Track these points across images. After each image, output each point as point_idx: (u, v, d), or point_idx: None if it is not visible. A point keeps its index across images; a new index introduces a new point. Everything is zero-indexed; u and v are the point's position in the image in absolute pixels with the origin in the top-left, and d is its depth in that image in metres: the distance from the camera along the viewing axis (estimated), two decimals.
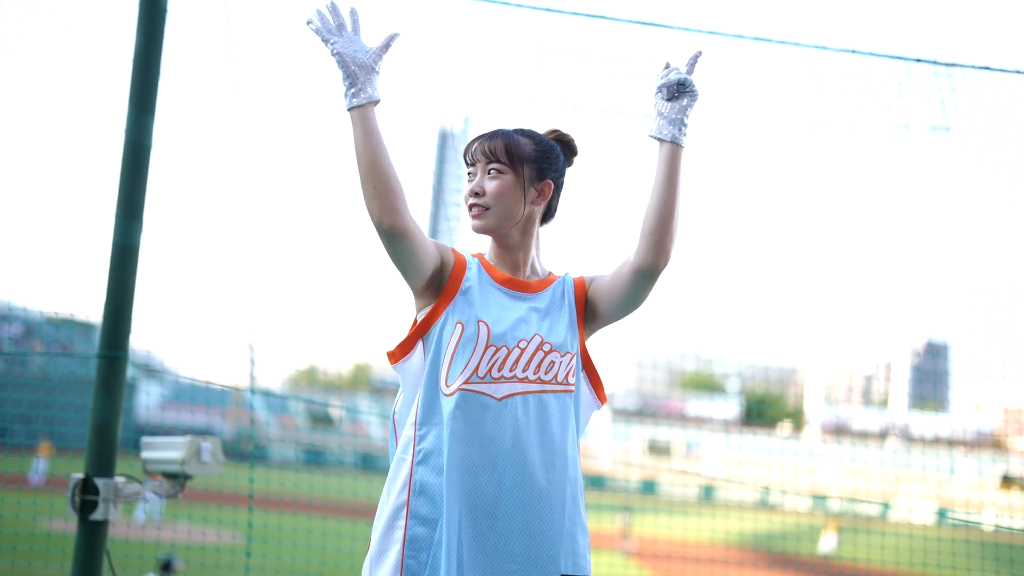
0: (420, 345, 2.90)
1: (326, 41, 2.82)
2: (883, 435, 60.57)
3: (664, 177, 2.88)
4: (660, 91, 2.91)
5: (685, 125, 2.87)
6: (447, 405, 2.83)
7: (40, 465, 27.85)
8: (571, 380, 2.91)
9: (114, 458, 4.76)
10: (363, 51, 2.83)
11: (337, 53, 2.81)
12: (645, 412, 66.40)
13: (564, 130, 3.14)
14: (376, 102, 2.82)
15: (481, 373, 2.84)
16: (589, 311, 3.01)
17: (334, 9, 2.83)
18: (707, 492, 45.70)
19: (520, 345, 2.87)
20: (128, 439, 5.33)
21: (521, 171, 2.98)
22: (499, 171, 2.97)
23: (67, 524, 4.92)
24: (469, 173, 3.02)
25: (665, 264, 2.89)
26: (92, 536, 4.69)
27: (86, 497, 4.67)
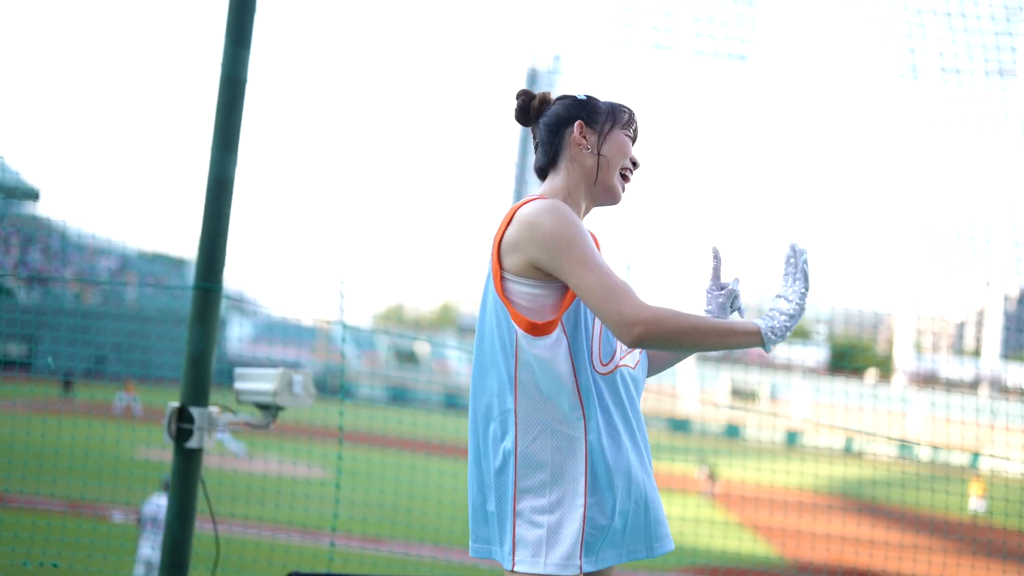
0: (561, 322, 2.76)
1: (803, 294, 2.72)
2: (974, 385, 59.56)
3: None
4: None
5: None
6: (604, 383, 2.79)
7: (123, 399, 28.65)
8: None
9: (208, 388, 4.83)
10: None
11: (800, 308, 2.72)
12: (730, 356, 66.03)
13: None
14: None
15: (623, 351, 2.86)
16: None
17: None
18: (791, 438, 45.43)
19: None
20: (220, 371, 5.42)
21: None
22: None
23: (163, 453, 5.03)
24: (631, 139, 2.99)
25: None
26: (187, 463, 4.78)
27: (182, 425, 4.76)
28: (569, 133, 2.93)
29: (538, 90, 3.03)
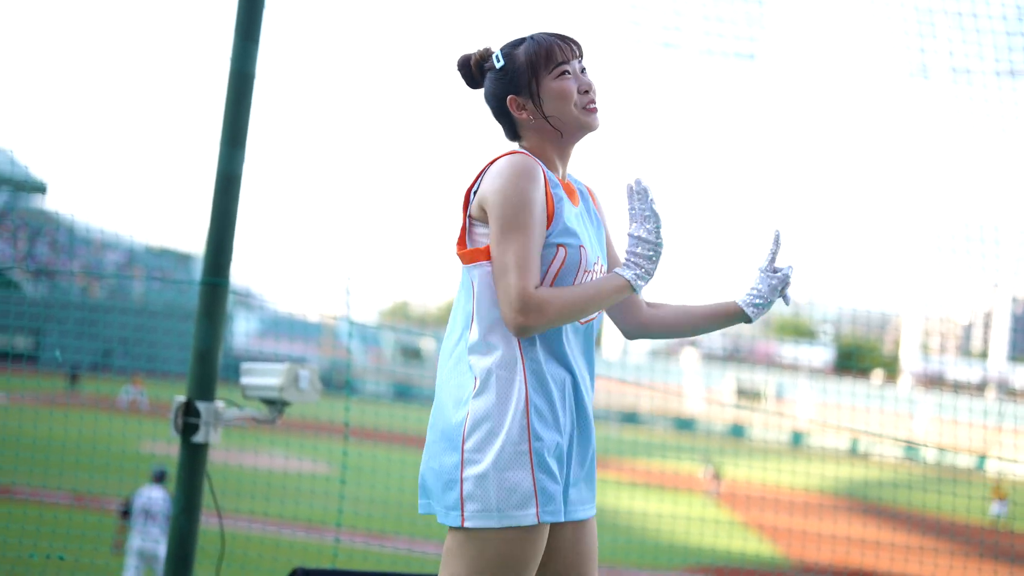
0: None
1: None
2: (981, 387, 59.43)
3: (709, 325, 2.93)
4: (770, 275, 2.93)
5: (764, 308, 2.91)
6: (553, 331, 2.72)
7: (129, 393, 28.69)
8: None
9: (215, 383, 4.84)
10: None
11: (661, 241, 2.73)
12: (736, 356, 65.96)
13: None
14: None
15: None
16: None
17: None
18: (797, 438, 45.35)
19: (598, 264, 2.83)
20: (226, 366, 5.42)
21: None
22: (585, 68, 2.86)
23: (169, 447, 5.03)
24: (567, 72, 2.78)
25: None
26: (194, 458, 4.79)
27: (188, 420, 4.76)
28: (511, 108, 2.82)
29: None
